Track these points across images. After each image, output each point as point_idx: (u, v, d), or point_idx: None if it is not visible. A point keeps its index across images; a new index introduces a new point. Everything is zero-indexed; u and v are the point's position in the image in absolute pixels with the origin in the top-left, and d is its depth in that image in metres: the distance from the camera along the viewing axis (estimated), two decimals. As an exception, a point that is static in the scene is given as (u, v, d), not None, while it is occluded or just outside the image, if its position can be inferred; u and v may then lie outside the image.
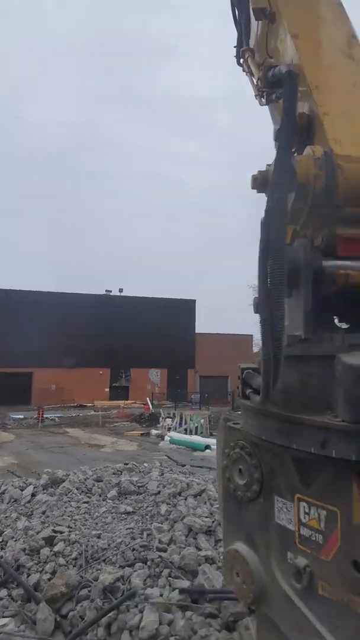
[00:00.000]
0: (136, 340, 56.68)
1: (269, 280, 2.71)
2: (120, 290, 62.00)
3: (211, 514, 6.89)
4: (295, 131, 2.99)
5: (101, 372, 57.22)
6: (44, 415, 35.62)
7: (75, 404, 50.20)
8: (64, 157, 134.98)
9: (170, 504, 7.26)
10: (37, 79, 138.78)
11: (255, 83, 4.18)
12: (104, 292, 61.59)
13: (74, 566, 5.52)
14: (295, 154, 2.93)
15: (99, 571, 5.35)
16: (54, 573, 5.35)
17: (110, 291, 62.09)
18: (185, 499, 7.45)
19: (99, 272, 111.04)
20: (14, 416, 37.27)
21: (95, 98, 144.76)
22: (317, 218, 2.98)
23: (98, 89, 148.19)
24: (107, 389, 57.45)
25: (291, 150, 2.96)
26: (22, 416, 37.91)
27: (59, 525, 6.28)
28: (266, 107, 4.11)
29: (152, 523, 6.58)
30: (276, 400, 2.95)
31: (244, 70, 4.52)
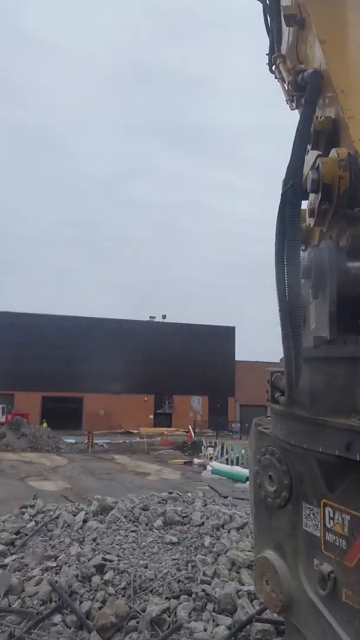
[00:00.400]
0: (178, 366, 56.63)
1: (286, 273, 2.64)
2: (164, 317, 62.31)
3: (253, 547, 6.77)
4: (312, 123, 2.95)
5: (146, 399, 57.27)
6: (94, 441, 35.82)
7: (122, 430, 50.28)
8: (109, 186, 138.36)
9: (213, 536, 7.17)
10: (84, 112, 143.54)
11: (287, 88, 4.18)
12: (148, 319, 62.04)
13: (123, 596, 5.50)
14: (320, 157, 2.86)
15: (146, 602, 5.31)
16: (104, 602, 5.35)
17: (154, 317, 62.50)
18: (229, 532, 7.35)
19: (143, 298, 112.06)
20: (66, 440, 37.61)
21: (134, 129, 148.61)
22: (342, 219, 2.91)
23: (137, 120, 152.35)
24: (151, 416, 57.35)
25: (307, 140, 2.93)
26: (73, 440, 38.23)
27: (109, 553, 6.28)
28: (296, 112, 4.11)
29: (196, 555, 6.52)
30: (302, 402, 2.87)
31: (276, 77, 4.51)
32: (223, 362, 59.05)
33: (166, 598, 5.39)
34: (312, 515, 2.92)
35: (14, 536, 7.27)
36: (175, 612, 5.16)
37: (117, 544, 6.64)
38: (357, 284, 2.88)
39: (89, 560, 6.07)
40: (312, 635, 2.97)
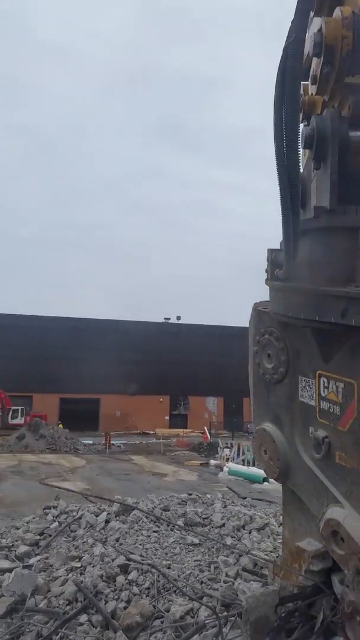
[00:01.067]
0: (193, 367, 56.54)
1: (284, 133, 2.55)
2: (178, 318, 62.28)
3: (275, 548, 6.77)
4: None
5: (161, 400, 57.29)
6: (111, 442, 35.94)
7: (138, 431, 50.38)
8: (118, 188, 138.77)
9: (234, 537, 7.17)
10: (91, 114, 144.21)
11: None
12: (162, 320, 62.08)
13: (147, 595, 5.52)
14: (324, 18, 2.79)
15: (170, 602, 5.33)
16: (128, 601, 5.37)
17: (169, 319, 62.50)
18: (249, 533, 7.35)
19: (157, 300, 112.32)
20: (84, 441, 37.79)
21: (142, 130, 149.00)
22: (344, 87, 2.83)
23: (146, 121, 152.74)
24: (167, 417, 57.35)
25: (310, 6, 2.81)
26: (91, 441, 38.40)
27: (132, 553, 6.31)
28: None
29: (218, 556, 6.52)
30: (301, 274, 2.96)
31: None
32: (238, 363, 58.87)
33: (190, 599, 5.40)
34: (307, 386, 3.09)
35: (38, 537, 7.33)
36: (198, 614, 5.17)
37: (140, 544, 6.67)
38: (358, 152, 2.84)
39: (112, 560, 6.11)
40: (307, 496, 3.15)
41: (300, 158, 2.76)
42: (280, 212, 2.85)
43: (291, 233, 2.87)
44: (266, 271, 3.25)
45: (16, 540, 7.26)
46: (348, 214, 2.82)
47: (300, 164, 2.80)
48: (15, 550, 6.88)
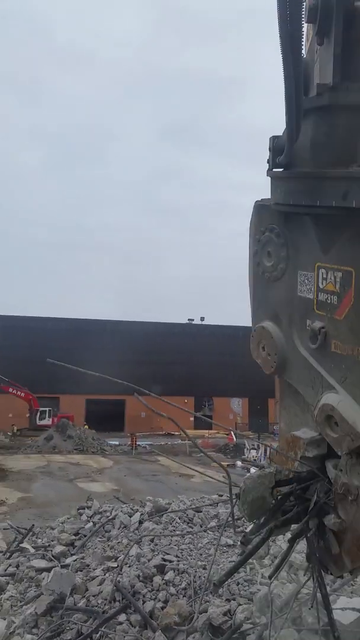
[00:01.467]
0: (218, 368, 56.42)
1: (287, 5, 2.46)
2: (202, 319, 62.24)
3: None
4: None
5: (186, 401, 57.27)
6: (137, 443, 36.12)
7: (164, 432, 50.50)
8: (138, 189, 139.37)
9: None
10: (112, 117, 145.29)
11: None
12: (186, 321, 62.11)
13: (184, 596, 5.55)
14: None
15: (207, 602, 5.34)
16: (166, 602, 5.40)
17: (193, 320, 62.50)
18: (284, 535, 7.31)
19: (181, 301, 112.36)
20: (110, 442, 38.06)
21: (162, 132, 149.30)
22: None
23: (164, 122, 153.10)
24: (192, 418, 57.38)
25: None
26: (117, 442, 38.66)
27: (168, 554, 6.34)
28: None
29: (252, 558, 6.50)
30: (302, 158, 2.93)
31: None
32: (262, 363, 58.49)
33: (226, 600, 5.41)
34: (306, 280, 3.17)
35: (73, 537, 7.41)
36: (235, 614, 5.17)
37: (175, 545, 6.69)
38: None
39: (148, 560, 6.14)
40: (303, 387, 3.29)
41: (304, 32, 2.65)
42: (283, 91, 2.75)
43: (293, 113, 2.83)
44: (267, 161, 3.22)
45: (52, 540, 7.37)
46: (352, 91, 2.78)
47: (304, 46, 2.69)
48: (51, 550, 6.98)
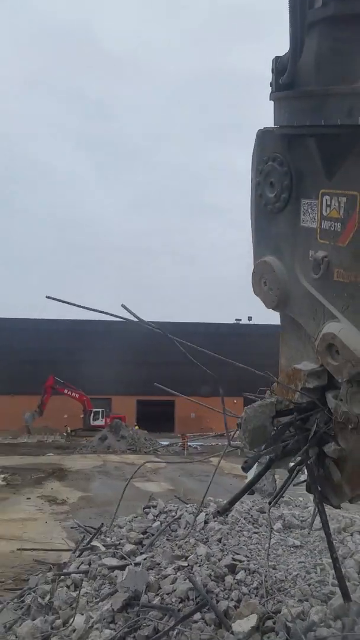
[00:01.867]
0: (267, 368, 55.83)
1: None
2: (249, 319, 61.81)
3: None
4: None
5: (235, 401, 56.82)
6: (188, 443, 36.26)
7: (214, 433, 50.43)
8: (189, 191, 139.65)
9: (336, 540, 7.07)
10: (166, 122, 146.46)
11: None
12: (234, 321, 61.76)
13: (256, 595, 5.57)
14: None
15: (280, 603, 5.35)
16: (238, 601, 5.43)
17: (240, 320, 62.08)
18: (351, 535, 7.23)
19: (227, 301, 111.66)
20: (161, 442, 38.38)
21: (211, 132, 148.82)
22: None
23: (212, 122, 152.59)
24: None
25: None
26: (167, 442, 38.93)
27: (237, 554, 6.37)
28: None
29: (321, 558, 6.46)
30: (307, 75, 2.83)
31: None
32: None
33: (299, 600, 5.40)
34: (309, 209, 3.11)
35: (141, 536, 7.55)
36: (309, 616, 5.15)
37: (244, 545, 6.72)
38: None
39: (219, 560, 6.19)
40: (305, 319, 3.28)
41: None
42: (287, 4, 2.71)
43: (298, 26, 2.76)
44: (270, 84, 3.13)
45: (120, 539, 7.52)
46: None
47: None
48: (121, 549, 7.13)
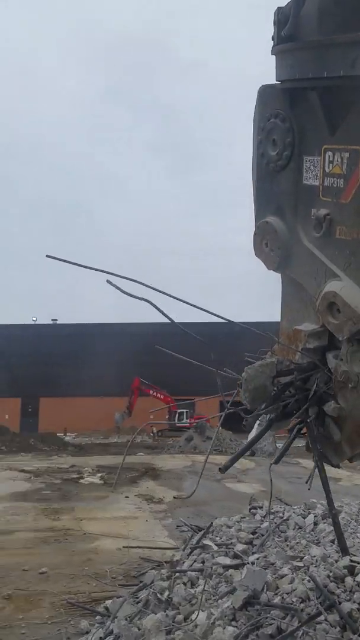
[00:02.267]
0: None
1: None
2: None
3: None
4: None
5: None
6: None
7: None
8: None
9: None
10: (230, 124, 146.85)
11: None
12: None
13: (379, 598, 5.48)
14: None
15: None
16: (362, 603, 5.38)
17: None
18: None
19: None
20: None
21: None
22: None
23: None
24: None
25: None
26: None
27: (355, 555, 6.28)
28: None
29: None
30: (309, 25, 2.76)
31: None
32: None
33: None
34: (312, 167, 3.08)
35: (251, 536, 7.62)
36: None
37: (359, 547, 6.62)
38: None
39: (335, 561, 6.14)
40: (306, 279, 3.25)
41: None
42: None
43: None
44: (272, 38, 3.05)
45: (231, 538, 7.63)
46: None
47: None
48: (233, 548, 7.24)
